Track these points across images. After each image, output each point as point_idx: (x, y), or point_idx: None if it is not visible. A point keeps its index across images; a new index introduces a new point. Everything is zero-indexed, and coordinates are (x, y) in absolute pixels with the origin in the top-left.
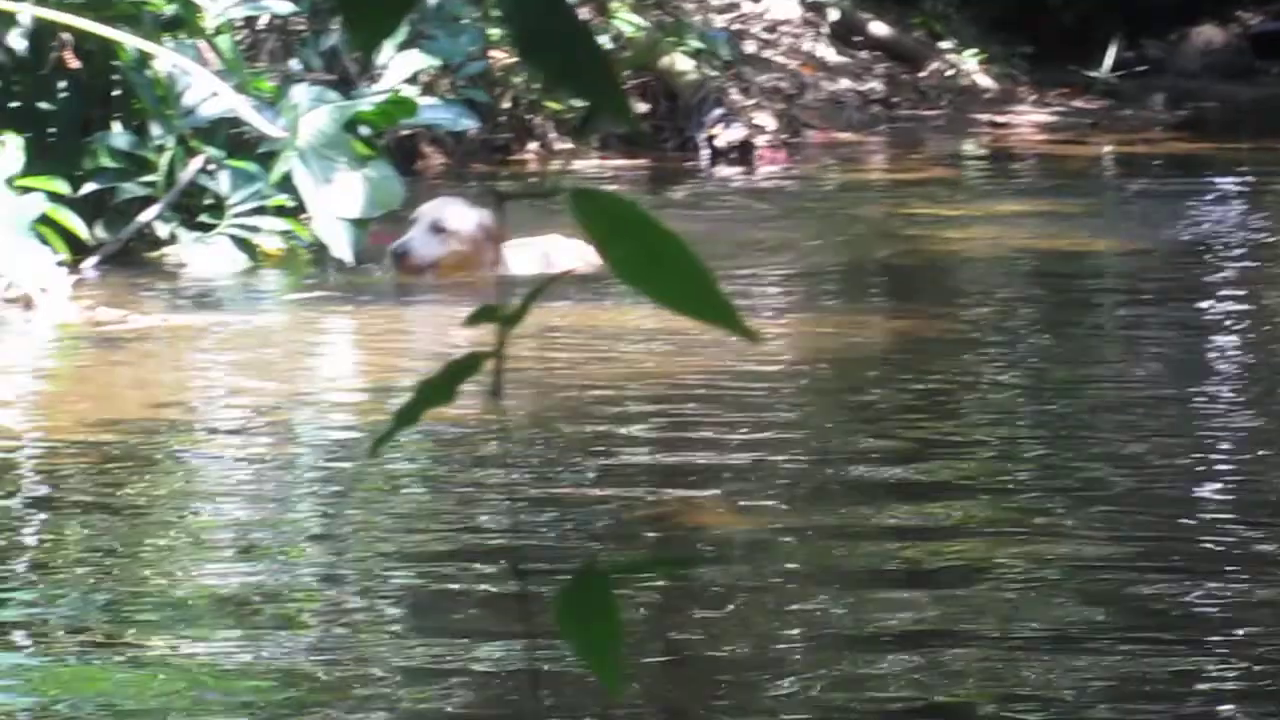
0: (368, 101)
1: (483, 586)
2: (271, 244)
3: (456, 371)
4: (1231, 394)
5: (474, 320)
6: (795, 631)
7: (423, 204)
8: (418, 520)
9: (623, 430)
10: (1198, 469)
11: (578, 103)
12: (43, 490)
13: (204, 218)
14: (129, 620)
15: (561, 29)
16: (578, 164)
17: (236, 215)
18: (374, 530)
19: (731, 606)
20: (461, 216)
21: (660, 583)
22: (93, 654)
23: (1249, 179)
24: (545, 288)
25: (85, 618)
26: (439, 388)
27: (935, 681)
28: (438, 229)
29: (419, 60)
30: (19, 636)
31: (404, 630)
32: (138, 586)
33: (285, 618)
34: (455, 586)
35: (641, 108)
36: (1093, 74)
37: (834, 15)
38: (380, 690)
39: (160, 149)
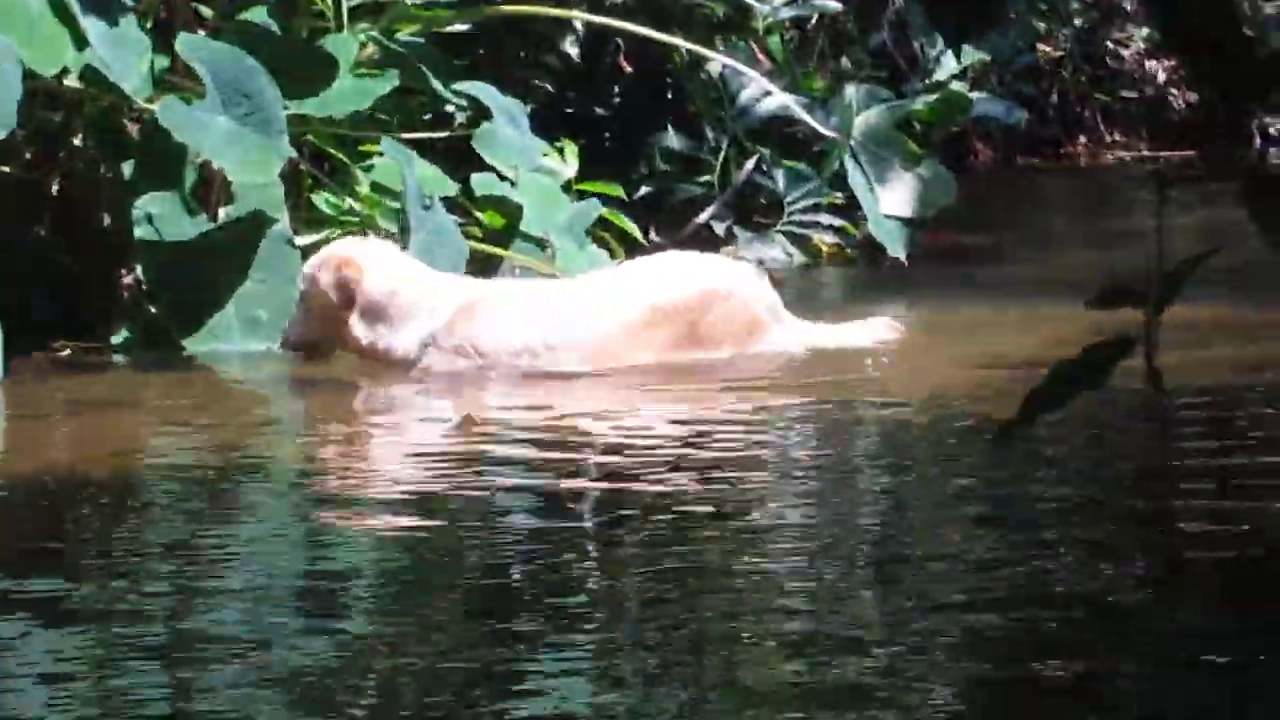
0: (921, 100)
1: None
2: (827, 241)
3: (1109, 355)
4: None
5: (1105, 303)
6: None
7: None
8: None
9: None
10: None
11: (1128, 93)
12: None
13: (759, 217)
14: None
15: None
16: (1125, 154)
17: (792, 213)
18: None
19: None
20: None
21: None
22: None
23: None
24: (1199, 263)
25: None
26: (1090, 371)
27: None
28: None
29: (969, 55)
30: None
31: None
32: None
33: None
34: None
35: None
36: None
37: None
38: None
39: (714, 150)
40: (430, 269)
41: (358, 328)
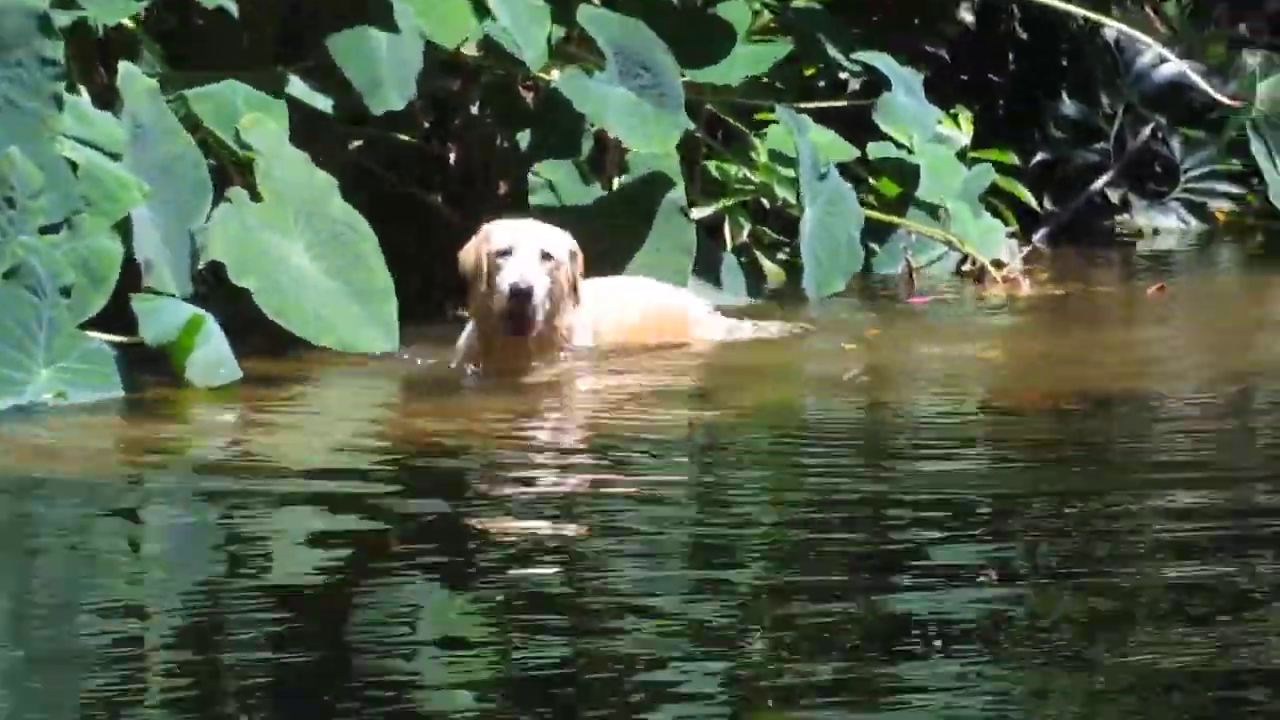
0: None
1: None
2: (1224, 208)
3: None
4: None
5: None
6: None
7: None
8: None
9: None
10: None
11: None
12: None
13: (1154, 184)
14: None
15: None
16: None
17: (1189, 181)
18: None
19: None
20: (560, 242)
21: None
22: None
23: None
24: None
25: None
26: None
27: None
28: (545, 257)
29: None
30: None
31: None
32: None
33: None
34: None
35: None
36: None
37: None
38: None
39: (1109, 117)
40: None
41: None
